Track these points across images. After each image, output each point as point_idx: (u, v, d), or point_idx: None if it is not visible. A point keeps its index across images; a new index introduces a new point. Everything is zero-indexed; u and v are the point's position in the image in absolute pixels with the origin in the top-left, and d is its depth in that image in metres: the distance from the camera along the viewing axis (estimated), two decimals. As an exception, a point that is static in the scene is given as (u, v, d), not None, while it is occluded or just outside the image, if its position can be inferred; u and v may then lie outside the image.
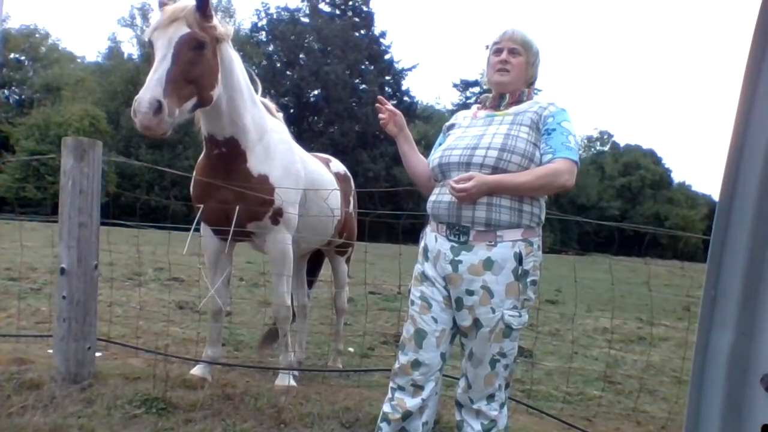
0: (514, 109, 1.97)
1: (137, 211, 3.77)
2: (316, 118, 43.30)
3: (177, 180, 30.62)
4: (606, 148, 63.49)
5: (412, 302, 1.98)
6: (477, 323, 1.85)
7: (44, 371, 2.84)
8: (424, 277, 1.95)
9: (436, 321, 1.92)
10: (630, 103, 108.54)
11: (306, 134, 42.73)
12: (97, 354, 3.05)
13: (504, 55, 1.97)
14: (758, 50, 0.83)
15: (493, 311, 1.82)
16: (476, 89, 46.84)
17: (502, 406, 1.97)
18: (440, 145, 2.06)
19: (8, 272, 6.70)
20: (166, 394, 2.67)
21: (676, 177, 66.04)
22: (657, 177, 56.87)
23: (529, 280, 1.85)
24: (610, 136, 64.35)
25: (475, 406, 1.94)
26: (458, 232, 1.85)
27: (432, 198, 1.97)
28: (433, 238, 1.95)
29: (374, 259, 4.35)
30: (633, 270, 7.95)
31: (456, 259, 1.85)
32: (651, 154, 59.60)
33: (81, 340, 2.79)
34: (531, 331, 5.62)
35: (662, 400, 3.80)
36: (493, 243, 1.81)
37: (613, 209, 52.52)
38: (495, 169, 1.82)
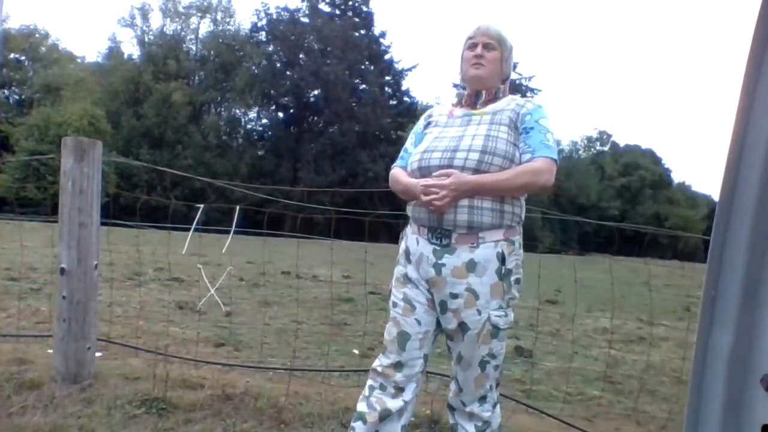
0: (491, 107, 1.95)
1: (137, 211, 3.77)
2: (316, 118, 43.35)
3: (177, 180, 30.64)
4: (606, 148, 63.52)
5: (395, 304, 1.94)
6: (463, 326, 1.83)
7: (44, 371, 2.85)
8: (407, 279, 1.92)
9: (419, 323, 1.89)
10: (629, 103, 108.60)
11: (306, 134, 42.82)
12: (97, 354, 3.05)
13: (479, 50, 1.95)
14: (758, 50, 0.83)
15: (479, 313, 1.80)
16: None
17: (494, 405, 1.96)
18: (419, 142, 2.03)
19: (8, 272, 6.71)
20: (166, 394, 2.67)
21: (676, 177, 66.19)
22: (657, 177, 56.93)
23: (513, 278, 1.84)
24: (609, 136, 64.42)
25: (467, 409, 1.93)
26: (440, 235, 1.83)
27: (413, 201, 1.93)
28: (414, 240, 1.91)
29: (374, 259, 4.36)
30: (633, 270, 7.94)
31: (439, 262, 1.82)
32: (650, 154, 59.64)
33: (81, 340, 2.79)
34: (531, 331, 5.62)
35: (662, 400, 3.80)
36: (475, 245, 1.79)
37: (613, 209, 52.55)
38: (476, 171, 1.79)
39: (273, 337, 4.68)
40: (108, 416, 2.49)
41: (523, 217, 1.91)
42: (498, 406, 1.99)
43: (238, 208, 3.82)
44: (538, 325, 5.95)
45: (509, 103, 1.95)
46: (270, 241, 5.46)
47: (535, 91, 49.12)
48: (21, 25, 41.22)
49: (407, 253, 1.94)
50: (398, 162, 2.07)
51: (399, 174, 2.00)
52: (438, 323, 1.91)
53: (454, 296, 1.81)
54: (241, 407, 2.68)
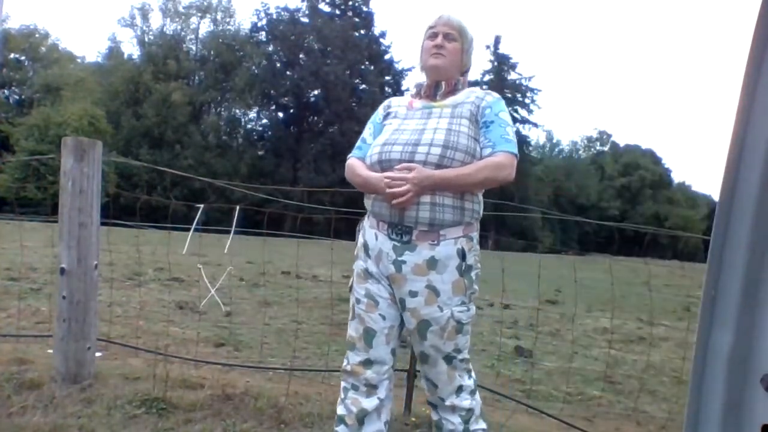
0: (451, 100, 1.93)
1: (137, 211, 3.77)
2: (316, 118, 43.36)
3: (177, 180, 30.65)
4: (606, 148, 63.58)
5: (358, 300, 1.90)
6: (424, 324, 1.81)
7: (44, 371, 2.84)
8: (368, 275, 1.88)
9: (384, 318, 1.87)
10: (629, 103, 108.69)
11: (306, 134, 42.83)
12: (97, 354, 3.05)
13: (439, 40, 1.93)
14: (758, 50, 0.83)
15: (441, 310, 1.79)
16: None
17: (472, 393, 1.95)
18: (378, 133, 2.00)
19: (8, 272, 6.71)
20: (166, 394, 2.67)
21: (676, 177, 66.32)
22: (657, 177, 56.99)
23: (473, 274, 1.84)
24: (609, 136, 64.48)
25: (448, 403, 1.92)
26: (400, 231, 1.79)
27: (373, 195, 1.88)
28: (372, 235, 1.87)
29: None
30: (633, 270, 7.94)
31: (399, 259, 1.79)
32: (650, 154, 59.68)
33: (81, 340, 2.79)
34: (531, 331, 5.63)
35: (662, 400, 3.80)
36: (435, 242, 1.78)
37: (613, 209, 52.63)
38: (438, 166, 1.77)
39: (273, 337, 4.68)
40: (108, 416, 2.49)
41: (481, 213, 1.90)
42: (477, 393, 1.98)
43: (238, 208, 3.82)
44: (538, 325, 5.96)
45: (468, 95, 1.93)
46: (270, 241, 5.45)
47: (535, 91, 49.13)
48: (21, 25, 41.28)
49: (366, 247, 1.90)
50: (355, 152, 2.02)
51: (357, 165, 1.95)
52: (402, 317, 1.89)
53: (413, 294, 1.80)
54: (241, 407, 2.68)
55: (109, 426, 2.41)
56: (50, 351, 3.07)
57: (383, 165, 1.85)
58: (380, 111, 2.08)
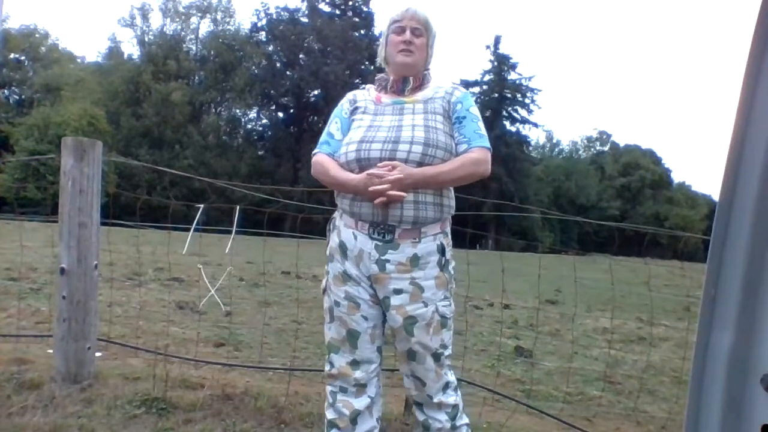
0: (420, 95, 1.91)
1: (137, 211, 3.77)
2: (316, 118, 43.36)
3: (177, 180, 30.67)
4: (606, 148, 63.62)
5: (337, 303, 1.87)
6: (410, 320, 1.80)
7: (44, 371, 2.84)
8: (347, 277, 1.84)
9: (366, 319, 1.86)
10: (629, 103, 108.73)
11: (306, 134, 42.82)
12: (97, 354, 3.05)
13: (407, 35, 1.89)
14: (758, 50, 0.83)
15: (426, 305, 1.79)
16: (476, 89, 46.89)
17: (456, 389, 1.95)
18: (345, 128, 1.94)
19: (8, 272, 6.71)
20: (166, 394, 2.67)
21: (676, 177, 66.33)
22: (657, 177, 57.02)
23: (451, 268, 1.86)
24: (609, 136, 64.54)
25: (435, 401, 1.91)
26: (383, 231, 1.78)
27: (350, 195, 1.83)
28: (351, 235, 1.82)
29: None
30: (633, 270, 7.95)
31: (382, 258, 1.77)
32: (650, 154, 59.71)
33: (81, 340, 2.79)
34: (531, 331, 5.63)
35: (662, 400, 3.79)
36: (417, 240, 1.78)
37: (613, 209, 52.67)
38: (419, 164, 1.77)
39: (273, 337, 4.68)
40: (108, 416, 2.49)
41: (454, 208, 1.91)
42: (458, 388, 1.98)
43: (238, 208, 3.82)
44: (538, 325, 5.96)
45: (437, 90, 1.92)
46: (270, 241, 5.45)
47: (535, 91, 49.09)
48: (21, 25, 41.38)
49: (343, 248, 1.85)
50: (323, 148, 1.92)
51: (330, 165, 1.87)
52: (384, 316, 1.88)
53: (398, 292, 1.79)
54: (241, 407, 2.68)
55: (109, 426, 2.41)
56: (50, 351, 3.07)
57: (362, 163, 1.80)
58: (345, 104, 2.02)
